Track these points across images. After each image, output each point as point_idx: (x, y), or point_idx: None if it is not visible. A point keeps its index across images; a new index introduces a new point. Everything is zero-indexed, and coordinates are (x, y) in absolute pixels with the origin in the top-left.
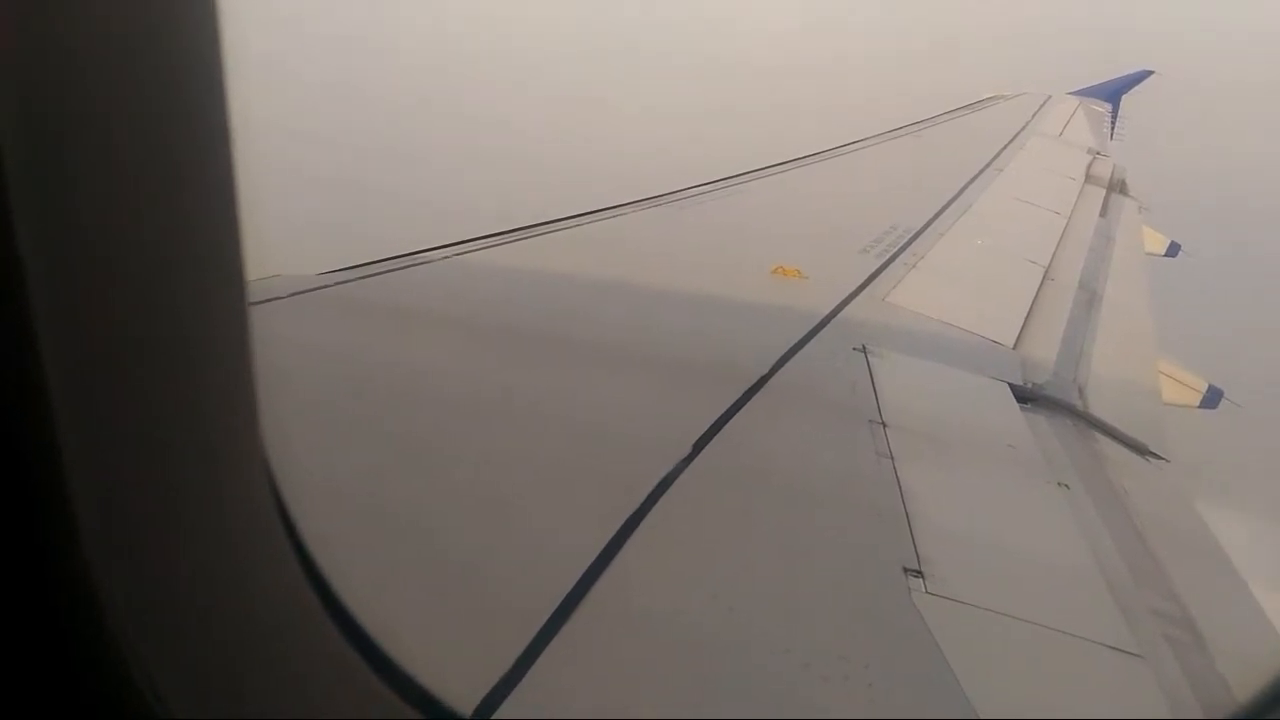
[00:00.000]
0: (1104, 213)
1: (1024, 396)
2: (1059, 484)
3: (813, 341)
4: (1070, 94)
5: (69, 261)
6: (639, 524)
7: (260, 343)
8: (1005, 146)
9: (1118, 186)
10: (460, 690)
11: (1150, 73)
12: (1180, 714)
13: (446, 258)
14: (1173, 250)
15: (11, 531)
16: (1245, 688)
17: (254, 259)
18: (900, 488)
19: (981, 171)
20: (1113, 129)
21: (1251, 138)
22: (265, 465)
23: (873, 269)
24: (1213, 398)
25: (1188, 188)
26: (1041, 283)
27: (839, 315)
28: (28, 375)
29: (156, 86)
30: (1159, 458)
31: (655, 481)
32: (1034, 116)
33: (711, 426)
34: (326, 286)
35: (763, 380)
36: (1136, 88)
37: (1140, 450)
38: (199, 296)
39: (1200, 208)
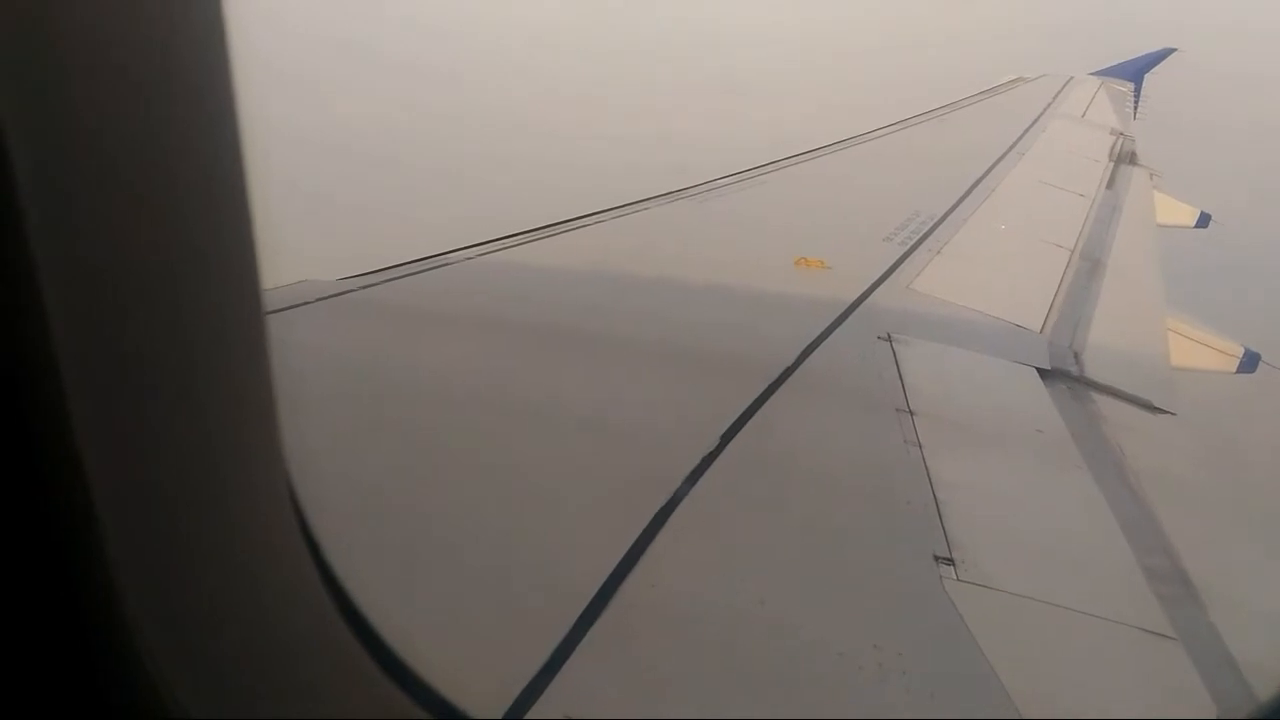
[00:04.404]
0: (1111, 185)
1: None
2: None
3: (838, 331)
4: (1092, 74)
5: (84, 272)
6: (668, 518)
7: (285, 348)
8: (1027, 129)
9: (1127, 158)
10: (490, 692)
11: (1172, 50)
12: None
13: (468, 259)
14: (1203, 221)
15: (36, 536)
16: (1241, 640)
17: (278, 265)
18: (929, 475)
19: (1004, 155)
20: (1135, 108)
21: (1275, 112)
22: (284, 471)
23: (896, 257)
24: (1250, 362)
25: (1213, 164)
26: (1067, 265)
27: (863, 304)
28: (46, 383)
29: (167, 93)
30: (1166, 412)
31: (683, 475)
32: (1056, 98)
33: (738, 419)
34: (350, 291)
35: (788, 371)
36: (1158, 66)
37: (1146, 406)
38: (215, 302)
39: (1227, 183)
